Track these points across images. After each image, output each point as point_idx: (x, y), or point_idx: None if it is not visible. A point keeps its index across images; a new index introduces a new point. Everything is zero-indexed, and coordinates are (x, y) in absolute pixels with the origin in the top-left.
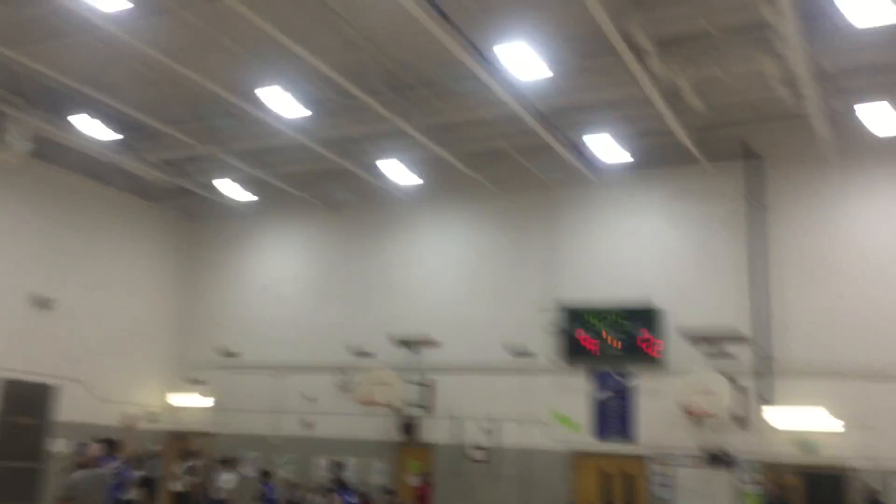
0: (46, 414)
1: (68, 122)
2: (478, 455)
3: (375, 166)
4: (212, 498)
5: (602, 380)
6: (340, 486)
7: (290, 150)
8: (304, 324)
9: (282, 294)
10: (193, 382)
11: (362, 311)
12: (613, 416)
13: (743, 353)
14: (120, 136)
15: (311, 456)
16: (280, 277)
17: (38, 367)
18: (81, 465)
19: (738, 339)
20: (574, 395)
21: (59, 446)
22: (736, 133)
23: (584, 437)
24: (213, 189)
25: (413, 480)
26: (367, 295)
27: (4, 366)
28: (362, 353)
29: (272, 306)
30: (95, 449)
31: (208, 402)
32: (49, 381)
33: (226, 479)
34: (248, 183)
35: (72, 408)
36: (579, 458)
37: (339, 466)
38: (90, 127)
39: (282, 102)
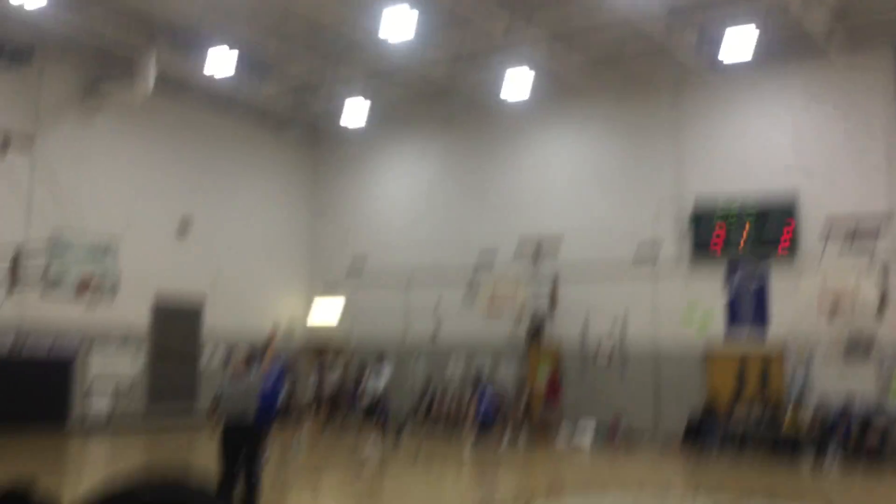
0: (195, 328)
1: (194, 57)
2: (605, 355)
3: (493, 78)
4: (360, 400)
5: (735, 273)
6: (478, 386)
7: (408, 69)
8: (429, 233)
9: (407, 207)
10: (327, 294)
11: (487, 218)
12: (748, 309)
13: (882, 242)
14: (243, 67)
15: (441, 360)
16: (404, 191)
17: (185, 285)
18: (230, 376)
19: (875, 227)
20: (706, 291)
21: (209, 358)
22: (872, 20)
23: (717, 333)
24: (335, 113)
25: (542, 381)
26: (492, 202)
27: (155, 285)
28: (488, 259)
29: (398, 219)
30: (241, 360)
31: (341, 312)
32: (196, 297)
33: (375, 380)
34: (368, 102)
35: (218, 322)
36: (713, 355)
37: (474, 367)
38: (215, 60)
39: (400, 21)
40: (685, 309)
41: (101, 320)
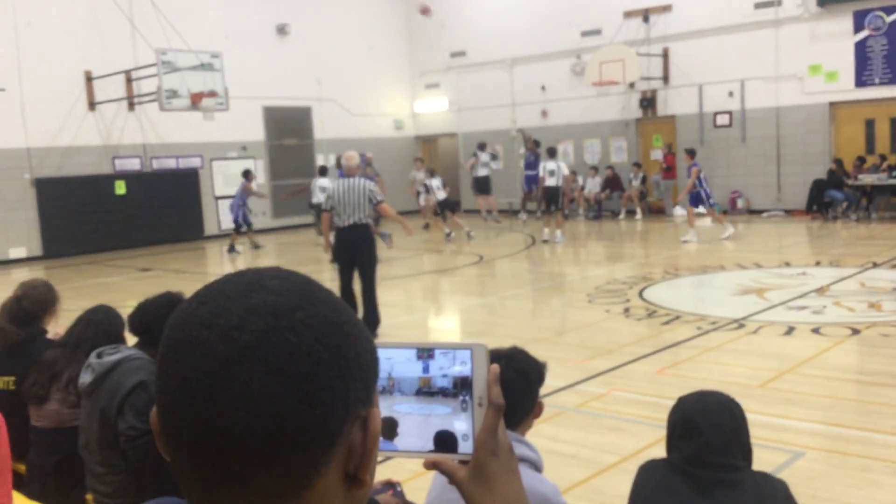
0: (306, 134)
1: None
2: (722, 120)
3: None
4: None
5: (863, 19)
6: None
7: None
8: (531, 12)
9: None
10: (431, 87)
11: None
12: (877, 58)
13: None
14: None
15: (551, 143)
16: None
17: (291, 92)
18: (342, 176)
19: None
20: (830, 42)
21: (322, 161)
22: None
23: (843, 86)
24: None
25: (657, 153)
26: None
27: (262, 94)
28: (593, 32)
29: (495, 4)
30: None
31: (445, 104)
32: (303, 103)
33: (483, 162)
34: None
35: (327, 125)
36: (839, 109)
37: (535, 143)
38: None
39: None
40: (809, 67)
41: (217, 132)
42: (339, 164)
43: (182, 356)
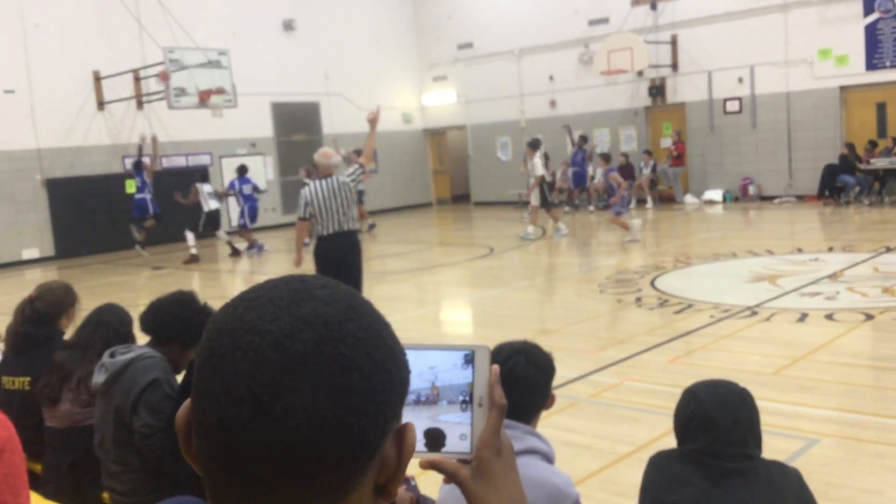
0: (315, 129)
1: None
2: (732, 106)
3: None
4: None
5: (872, 2)
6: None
7: None
8: (537, 2)
9: None
10: (438, 79)
11: None
12: (888, 41)
13: None
14: None
15: (560, 134)
16: None
17: (299, 87)
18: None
19: None
20: (840, 25)
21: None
22: None
23: (854, 70)
24: None
25: (667, 142)
26: None
27: (270, 90)
28: (600, 20)
29: None
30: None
31: (453, 96)
32: (311, 98)
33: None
34: None
35: (335, 120)
36: (850, 93)
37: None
38: None
39: None
40: (819, 51)
41: (226, 129)
42: (346, 158)
43: (229, 362)
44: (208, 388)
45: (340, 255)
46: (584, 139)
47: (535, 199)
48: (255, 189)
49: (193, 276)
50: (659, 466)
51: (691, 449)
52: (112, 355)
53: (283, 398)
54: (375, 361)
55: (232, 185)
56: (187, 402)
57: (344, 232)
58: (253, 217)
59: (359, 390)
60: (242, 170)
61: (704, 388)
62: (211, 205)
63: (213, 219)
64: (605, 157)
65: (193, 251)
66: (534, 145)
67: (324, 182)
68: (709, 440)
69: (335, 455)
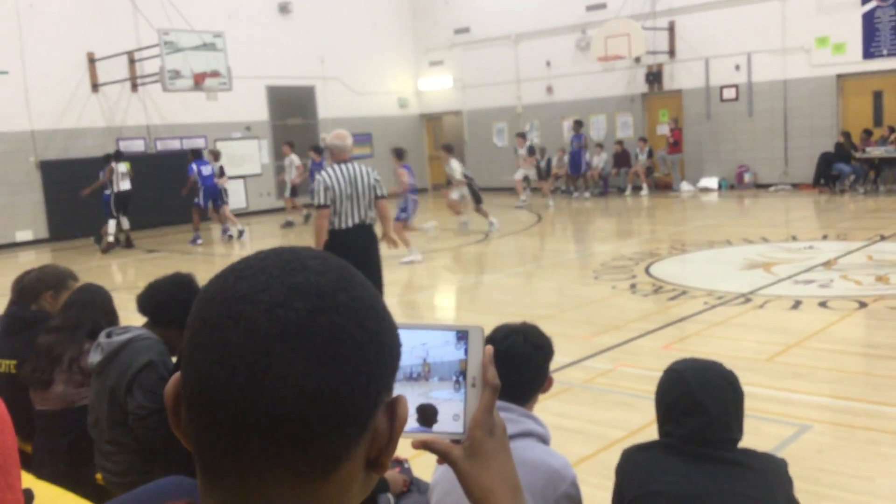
0: (310, 113)
1: None
2: (729, 93)
3: None
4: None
5: None
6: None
7: None
8: None
9: None
10: (434, 64)
11: None
12: (885, 29)
13: None
14: None
15: (556, 120)
16: None
17: (294, 71)
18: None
19: None
20: (837, 13)
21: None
22: None
23: (851, 58)
24: None
25: (664, 128)
26: None
27: (265, 74)
28: (598, 6)
29: None
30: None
31: (450, 81)
32: (307, 82)
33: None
34: None
35: (331, 104)
36: (847, 81)
37: (578, 124)
38: None
39: None
40: (816, 39)
41: (221, 113)
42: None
43: (221, 331)
44: (199, 358)
45: (360, 252)
46: (579, 124)
47: (456, 195)
48: (221, 173)
49: (188, 259)
50: (636, 458)
51: (674, 435)
52: (108, 335)
53: (276, 367)
54: (368, 332)
55: (190, 169)
56: (176, 374)
57: (365, 225)
58: (211, 200)
59: (352, 360)
60: (197, 153)
61: (692, 372)
62: (122, 186)
63: (123, 200)
64: (398, 154)
65: (111, 238)
66: (447, 148)
67: (342, 167)
68: (696, 426)
69: (328, 425)
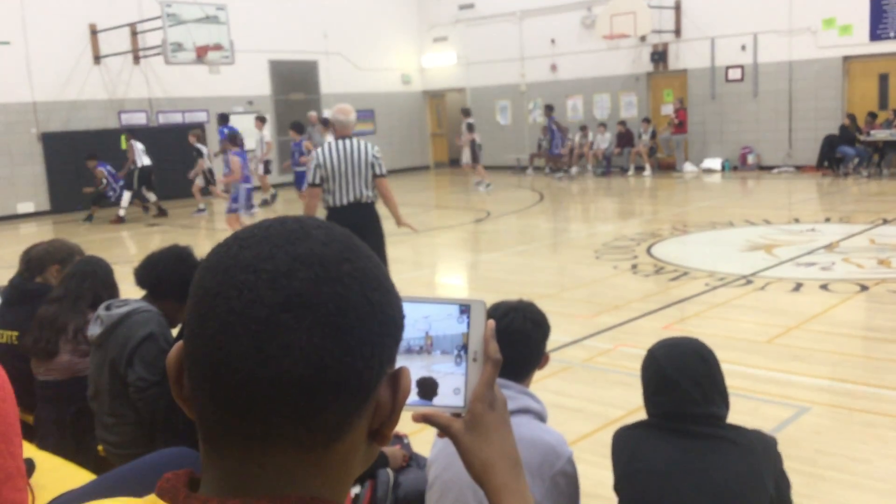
0: (313, 88)
1: None
2: (734, 74)
3: None
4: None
5: None
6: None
7: None
8: None
9: None
10: (439, 40)
11: None
12: (893, 11)
13: None
14: None
15: (560, 98)
16: None
17: (297, 45)
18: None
19: None
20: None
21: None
22: None
23: (858, 40)
24: None
25: (668, 108)
26: None
27: (268, 48)
28: None
29: None
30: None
31: (453, 58)
32: (310, 57)
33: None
34: None
35: (334, 79)
36: (853, 63)
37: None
38: None
39: None
40: (823, 20)
41: (223, 87)
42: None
43: (224, 300)
44: (203, 326)
45: (356, 231)
46: (550, 108)
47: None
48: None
49: (189, 232)
50: (625, 437)
51: (655, 414)
52: (108, 308)
53: (280, 336)
54: (372, 302)
55: (221, 132)
56: (179, 343)
57: (361, 203)
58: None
59: (355, 330)
60: (224, 118)
61: (663, 349)
62: (144, 161)
63: (146, 175)
64: (234, 139)
65: (122, 212)
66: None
67: (340, 143)
68: (672, 402)
69: (331, 394)
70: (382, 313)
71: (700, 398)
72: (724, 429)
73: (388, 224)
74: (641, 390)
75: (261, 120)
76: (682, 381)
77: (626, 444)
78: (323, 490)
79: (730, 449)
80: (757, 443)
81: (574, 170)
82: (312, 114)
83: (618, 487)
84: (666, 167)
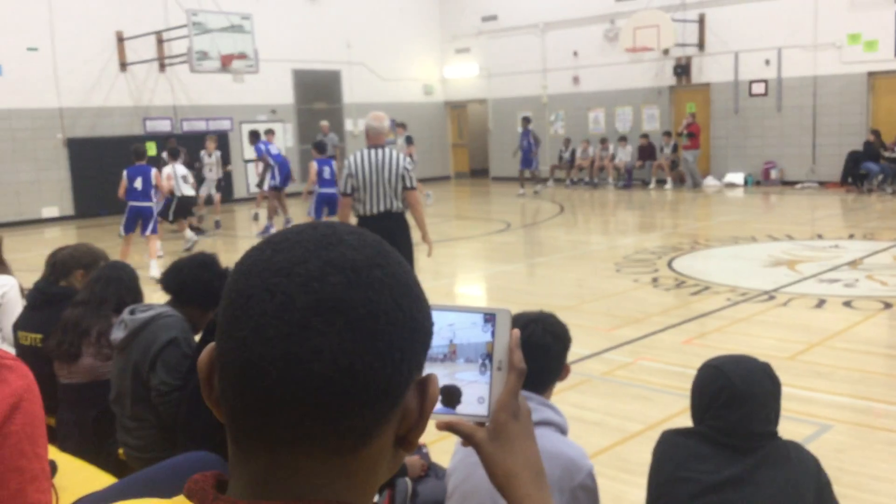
0: (335, 98)
1: None
2: (758, 88)
3: None
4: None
5: None
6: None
7: None
8: None
9: None
10: (461, 51)
11: None
12: None
13: None
14: None
15: (581, 111)
16: None
17: (321, 55)
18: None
19: None
20: (870, 10)
21: (350, 126)
22: None
23: (883, 56)
24: None
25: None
26: None
27: (292, 57)
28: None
29: None
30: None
31: (475, 69)
32: (333, 67)
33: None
34: None
35: (356, 89)
36: (878, 79)
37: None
38: None
39: None
40: (848, 36)
41: (247, 95)
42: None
43: (257, 303)
44: (235, 329)
45: (387, 239)
46: (527, 121)
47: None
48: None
49: (212, 241)
50: (674, 442)
51: (713, 426)
52: (132, 312)
53: (311, 340)
54: (402, 308)
55: (258, 149)
56: (210, 345)
57: (392, 213)
58: (285, 180)
59: (385, 336)
60: (256, 135)
61: (731, 364)
62: (185, 190)
63: (186, 206)
64: (174, 153)
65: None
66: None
67: (371, 152)
68: (737, 417)
69: (360, 399)
70: (412, 319)
71: (765, 417)
72: (773, 441)
73: (415, 234)
74: (693, 403)
75: (212, 141)
76: (752, 398)
77: (675, 451)
78: (349, 495)
79: (778, 465)
80: (799, 458)
81: (568, 181)
82: (324, 123)
83: (657, 493)
84: (685, 182)
